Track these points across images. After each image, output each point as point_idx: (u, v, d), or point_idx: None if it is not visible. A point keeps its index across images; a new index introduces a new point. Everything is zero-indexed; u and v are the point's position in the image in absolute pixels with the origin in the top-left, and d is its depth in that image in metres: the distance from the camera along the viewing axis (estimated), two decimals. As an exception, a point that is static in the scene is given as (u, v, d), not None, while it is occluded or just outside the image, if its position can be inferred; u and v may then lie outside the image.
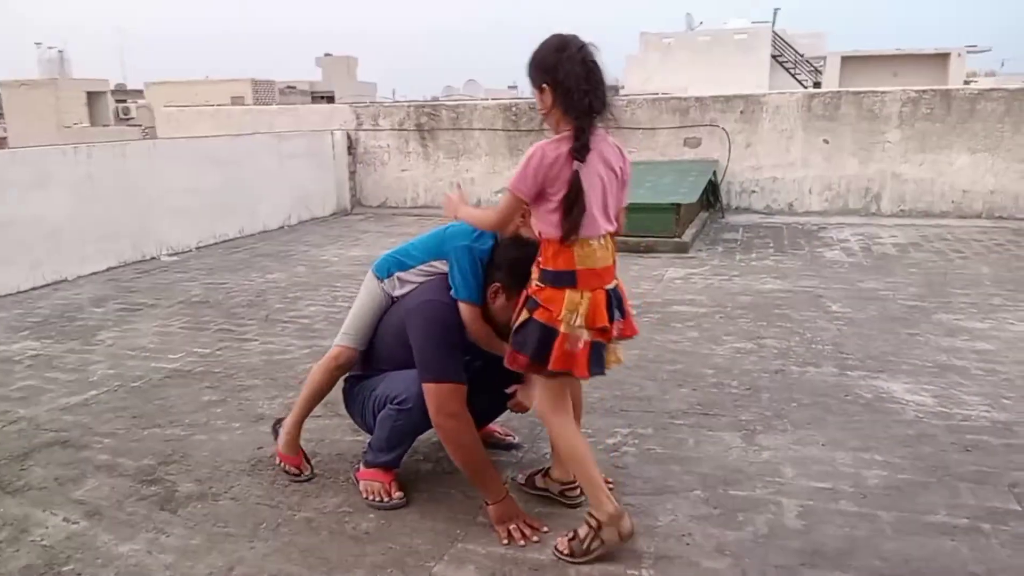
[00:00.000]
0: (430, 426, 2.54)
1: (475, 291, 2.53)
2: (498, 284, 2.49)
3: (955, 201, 8.72)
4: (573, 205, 2.16)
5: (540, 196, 2.19)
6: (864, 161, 8.92)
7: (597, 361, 2.27)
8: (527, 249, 2.39)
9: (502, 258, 2.50)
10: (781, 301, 5.19)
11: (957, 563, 2.23)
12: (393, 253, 2.79)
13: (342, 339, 2.82)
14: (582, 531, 2.30)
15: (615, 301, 2.32)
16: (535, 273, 2.29)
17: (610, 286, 2.31)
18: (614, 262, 2.33)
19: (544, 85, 2.19)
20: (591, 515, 2.29)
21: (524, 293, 2.32)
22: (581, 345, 2.22)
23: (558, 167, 2.16)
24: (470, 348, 2.58)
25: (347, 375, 2.86)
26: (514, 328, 2.30)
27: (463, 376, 2.46)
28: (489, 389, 2.68)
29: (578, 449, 2.34)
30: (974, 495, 2.60)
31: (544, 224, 2.22)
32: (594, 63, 2.20)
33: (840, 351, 4.13)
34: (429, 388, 2.43)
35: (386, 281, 2.75)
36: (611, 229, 2.29)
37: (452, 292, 2.55)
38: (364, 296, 2.81)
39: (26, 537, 2.49)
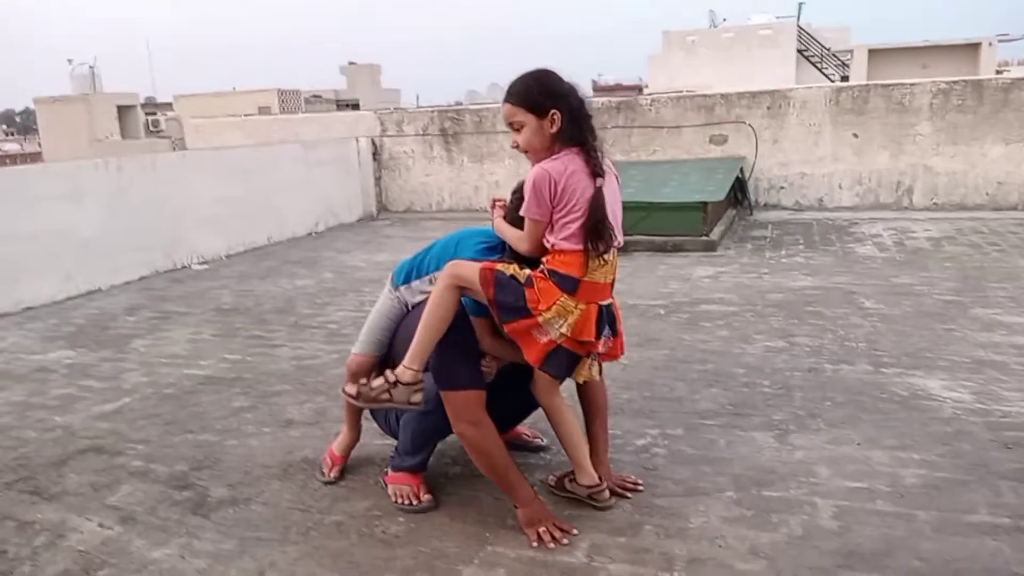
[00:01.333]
0: (448, 430, 2.54)
1: (484, 306, 2.49)
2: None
3: (989, 193, 8.53)
4: (600, 221, 2.28)
5: (553, 214, 2.31)
6: (895, 154, 8.77)
7: (557, 363, 2.37)
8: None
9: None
10: (813, 298, 5.11)
11: (1000, 563, 2.17)
12: (411, 259, 2.80)
13: (356, 347, 2.85)
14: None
15: (606, 317, 2.38)
16: (541, 264, 2.36)
17: (605, 302, 2.38)
18: (614, 279, 2.43)
19: (555, 111, 2.31)
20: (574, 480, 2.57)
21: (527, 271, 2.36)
22: (545, 340, 2.32)
23: (572, 185, 2.28)
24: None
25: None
26: (506, 274, 2.33)
27: (482, 382, 2.44)
28: (513, 391, 2.67)
29: (571, 425, 2.55)
30: (1016, 494, 2.53)
31: (562, 239, 2.30)
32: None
33: (874, 348, 4.05)
34: (448, 396, 2.41)
35: (402, 288, 2.75)
36: (622, 242, 2.41)
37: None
38: (380, 304, 2.82)
39: (63, 542, 2.53)
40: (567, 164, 2.30)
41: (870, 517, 2.44)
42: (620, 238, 2.39)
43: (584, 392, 2.70)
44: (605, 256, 2.33)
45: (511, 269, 2.34)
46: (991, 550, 2.23)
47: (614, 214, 2.35)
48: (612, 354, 2.49)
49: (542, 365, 2.37)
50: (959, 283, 5.33)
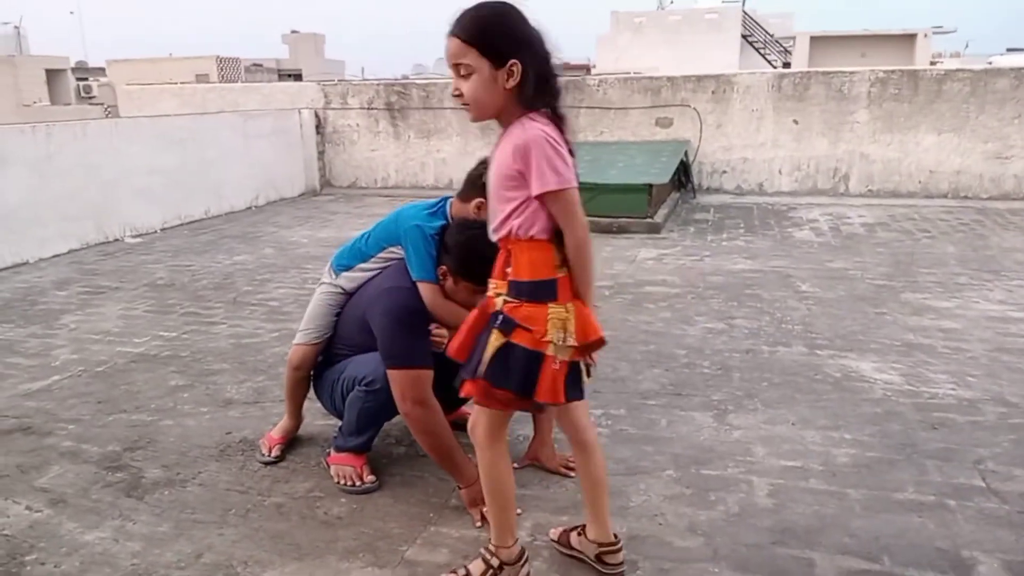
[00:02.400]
0: (393, 411, 2.54)
1: (431, 270, 2.52)
2: (444, 267, 2.48)
3: (922, 181, 8.83)
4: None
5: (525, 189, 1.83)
6: (833, 141, 8.99)
7: (574, 384, 1.93)
8: (472, 232, 2.36)
9: (450, 240, 2.48)
10: (752, 281, 5.22)
11: (924, 539, 2.27)
12: (351, 245, 2.77)
13: (297, 337, 2.83)
14: (476, 569, 2.08)
15: None
16: (499, 286, 1.92)
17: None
18: None
19: (515, 62, 1.78)
20: (492, 553, 2.08)
21: (487, 309, 1.94)
22: (558, 366, 1.87)
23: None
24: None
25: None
26: (488, 360, 1.88)
27: (429, 360, 2.43)
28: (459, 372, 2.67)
29: (506, 486, 2.07)
30: (940, 472, 2.64)
31: (531, 223, 1.84)
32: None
33: (809, 330, 4.17)
34: (394, 375, 2.40)
35: (342, 276, 2.74)
36: None
37: (410, 274, 2.54)
38: (319, 294, 2.80)
39: (-13, 527, 2.43)
40: (553, 132, 1.83)
41: (803, 495, 2.52)
42: None
43: None
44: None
45: (492, 346, 1.88)
46: (916, 526, 2.33)
47: None
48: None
49: (568, 398, 1.90)
50: (891, 268, 5.52)
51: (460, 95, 1.86)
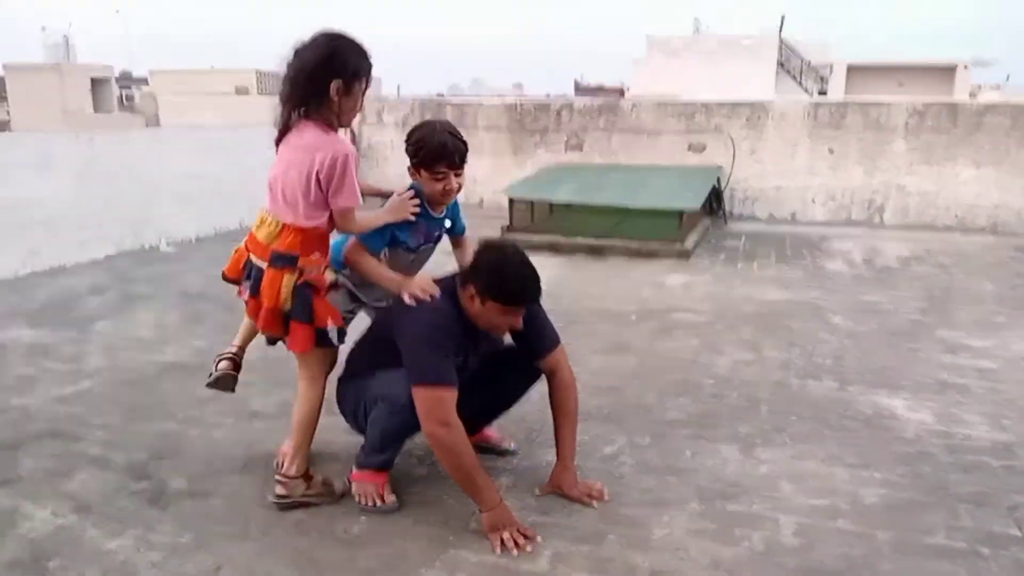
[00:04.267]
0: (416, 428, 2.54)
1: (379, 242, 2.65)
2: (472, 287, 2.47)
3: (959, 215, 8.69)
4: None
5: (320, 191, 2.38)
6: (869, 171, 8.89)
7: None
8: (503, 251, 2.47)
9: (478, 262, 2.49)
10: (782, 311, 5.16)
11: (955, 587, 2.20)
12: (340, 240, 2.80)
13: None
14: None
15: (252, 271, 2.51)
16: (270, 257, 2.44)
17: (254, 259, 2.50)
18: (266, 245, 2.47)
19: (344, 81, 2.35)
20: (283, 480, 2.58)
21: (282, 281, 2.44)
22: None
23: None
24: (463, 350, 2.55)
25: (340, 375, 2.83)
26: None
27: (455, 379, 2.41)
28: (482, 392, 2.66)
29: (313, 418, 2.63)
30: (973, 517, 2.57)
31: (316, 215, 2.41)
32: None
33: (840, 365, 4.10)
34: (419, 393, 2.38)
35: (342, 273, 2.78)
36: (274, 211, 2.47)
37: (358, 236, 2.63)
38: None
39: (13, 530, 2.46)
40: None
41: (831, 535, 2.46)
42: (279, 210, 2.44)
43: (554, 395, 2.70)
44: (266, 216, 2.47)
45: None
46: (947, 573, 2.27)
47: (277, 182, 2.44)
48: (291, 343, 2.58)
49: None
50: (925, 303, 5.42)
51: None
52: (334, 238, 2.64)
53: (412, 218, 2.67)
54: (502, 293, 2.42)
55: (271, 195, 2.46)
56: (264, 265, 2.44)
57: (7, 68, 26.11)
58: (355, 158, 2.40)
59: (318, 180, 2.36)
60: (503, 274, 2.44)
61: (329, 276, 2.61)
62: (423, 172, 2.67)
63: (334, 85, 2.33)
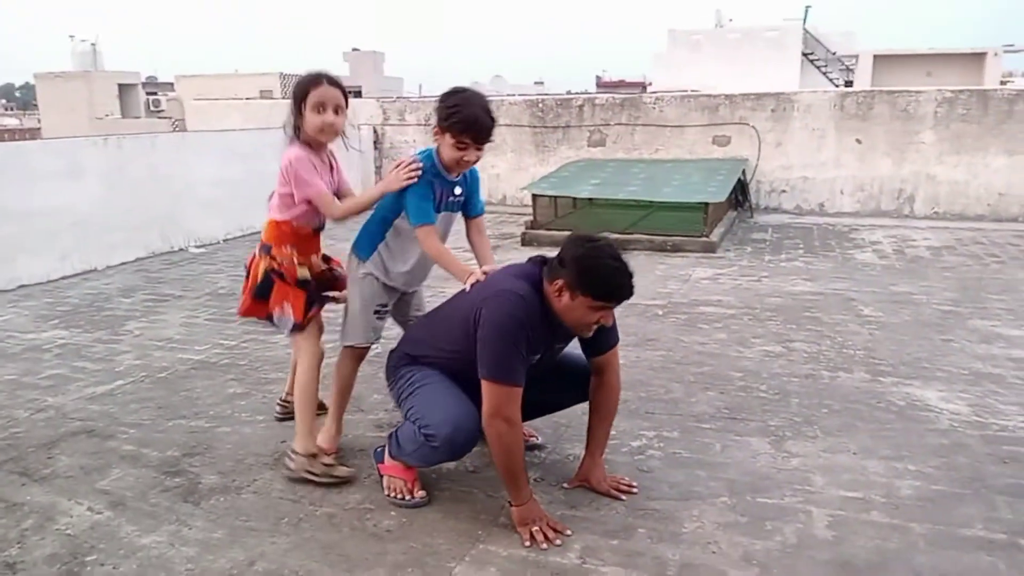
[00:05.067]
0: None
1: (430, 212, 2.66)
2: (561, 281, 2.36)
3: (991, 204, 8.53)
4: None
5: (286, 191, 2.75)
6: (898, 162, 8.76)
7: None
8: (593, 244, 2.37)
9: (567, 254, 2.37)
10: (811, 304, 5.10)
11: (994, 579, 2.16)
12: (366, 228, 2.86)
13: (348, 337, 2.89)
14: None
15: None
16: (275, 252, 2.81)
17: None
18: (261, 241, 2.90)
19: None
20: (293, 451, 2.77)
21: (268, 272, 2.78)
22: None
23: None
24: (542, 345, 2.47)
25: (393, 349, 2.77)
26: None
27: (523, 379, 2.37)
28: (532, 392, 2.61)
29: (306, 399, 2.80)
30: (1011, 509, 2.52)
31: (281, 211, 2.80)
32: None
33: (872, 356, 4.04)
34: (490, 387, 2.34)
35: (369, 261, 2.81)
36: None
37: (409, 220, 2.66)
38: (355, 291, 2.84)
39: (51, 526, 2.51)
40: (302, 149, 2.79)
41: (865, 528, 2.43)
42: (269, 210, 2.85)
43: (599, 393, 2.67)
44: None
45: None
46: (986, 566, 2.22)
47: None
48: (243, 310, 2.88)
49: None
50: (958, 293, 5.32)
51: (334, 127, 2.73)
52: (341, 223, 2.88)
53: (410, 182, 2.64)
54: (597, 288, 2.32)
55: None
56: (255, 254, 2.85)
57: (37, 77, 26.61)
58: (301, 159, 2.71)
59: (283, 181, 2.77)
60: (598, 268, 2.32)
61: (302, 273, 2.80)
62: (447, 136, 2.64)
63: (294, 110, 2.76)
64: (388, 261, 2.81)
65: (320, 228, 2.91)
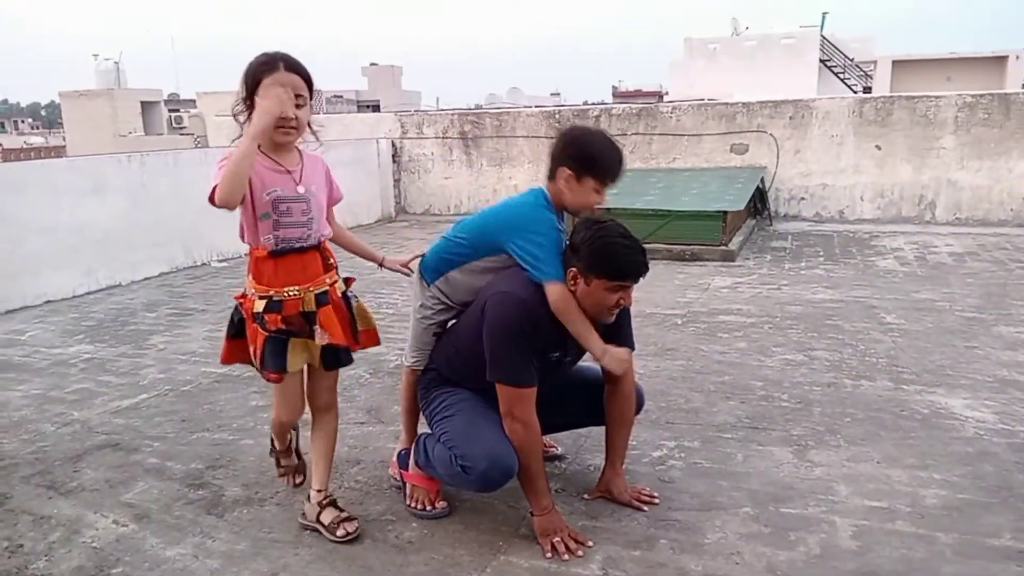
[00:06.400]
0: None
1: (562, 267, 2.37)
2: (575, 268, 2.34)
3: (1014, 209, 8.43)
4: None
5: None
6: (918, 168, 8.68)
7: (273, 355, 2.32)
8: (602, 224, 2.35)
9: (576, 240, 2.35)
10: (832, 311, 5.06)
11: (1023, 590, 2.13)
12: (440, 247, 2.63)
13: (408, 359, 2.71)
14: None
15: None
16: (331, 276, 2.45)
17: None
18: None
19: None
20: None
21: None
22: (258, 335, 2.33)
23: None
24: (559, 345, 2.45)
25: (425, 367, 2.70)
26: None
27: (534, 380, 2.36)
28: (555, 404, 2.60)
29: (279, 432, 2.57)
30: (1040, 518, 2.49)
31: (244, 233, 2.38)
32: None
33: (895, 364, 4.00)
34: (505, 389, 2.35)
35: (435, 285, 2.60)
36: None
37: (536, 275, 2.35)
38: (418, 309, 2.66)
39: (78, 538, 2.54)
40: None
41: (890, 538, 2.40)
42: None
43: (613, 402, 2.65)
44: None
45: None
46: (1014, 576, 2.19)
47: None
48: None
49: (263, 366, 2.35)
50: (981, 300, 5.26)
51: (295, 121, 2.24)
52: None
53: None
54: (610, 268, 2.29)
55: None
56: None
57: (62, 95, 27.07)
58: (223, 159, 2.17)
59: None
60: (608, 248, 2.30)
61: (257, 306, 2.31)
62: (593, 281, 2.33)
63: (245, 104, 2.25)
64: (451, 293, 2.61)
65: (290, 248, 2.30)
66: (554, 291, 2.35)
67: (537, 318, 2.36)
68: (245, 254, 2.40)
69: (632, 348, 2.63)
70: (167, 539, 2.52)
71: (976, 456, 2.94)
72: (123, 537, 2.54)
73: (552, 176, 2.46)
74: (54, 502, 2.79)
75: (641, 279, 2.36)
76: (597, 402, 2.67)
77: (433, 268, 2.62)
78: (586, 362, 2.66)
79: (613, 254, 2.30)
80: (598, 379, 2.65)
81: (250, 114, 2.21)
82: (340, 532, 2.45)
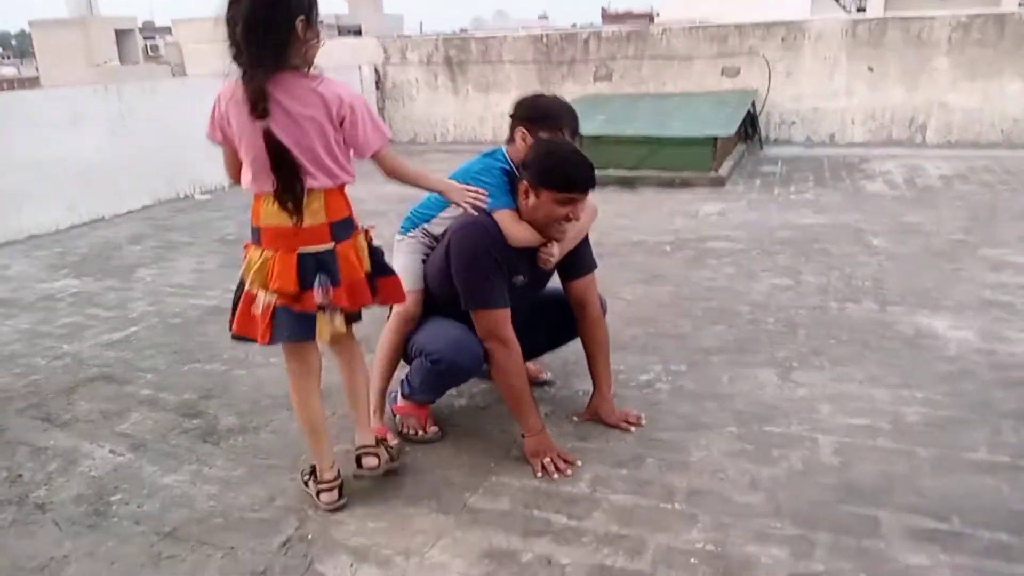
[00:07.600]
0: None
1: (508, 195, 2.50)
2: (525, 183, 2.43)
3: (1004, 130, 8.39)
4: (268, 167, 2.06)
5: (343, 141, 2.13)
6: (910, 90, 8.59)
7: (281, 328, 2.11)
8: (552, 145, 2.44)
9: (529, 157, 2.45)
10: (821, 236, 5.07)
11: (997, 501, 2.20)
12: (413, 211, 2.75)
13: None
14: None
15: (317, 265, 2.09)
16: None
17: (311, 249, 2.09)
18: (321, 223, 2.10)
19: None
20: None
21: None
22: (261, 309, 2.10)
23: (232, 115, 2.10)
24: (520, 267, 2.52)
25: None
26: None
27: (506, 301, 2.44)
28: (538, 326, 2.68)
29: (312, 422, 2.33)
30: (1016, 433, 2.55)
31: (347, 168, 2.22)
32: None
33: (881, 287, 4.04)
34: (479, 314, 2.43)
35: (412, 232, 2.71)
36: (315, 184, 2.09)
37: (488, 205, 2.45)
38: (400, 254, 2.70)
39: (75, 468, 2.58)
40: (231, 90, 2.05)
41: (871, 453, 2.47)
42: (317, 179, 2.08)
43: (584, 328, 2.71)
44: (266, 199, 2.07)
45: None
46: (990, 488, 2.26)
47: (300, 150, 2.05)
48: (344, 303, 2.15)
49: (273, 339, 2.13)
50: (968, 222, 5.28)
51: None
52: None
53: (466, 207, 2.41)
54: (556, 179, 2.36)
55: (304, 170, 2.07)
56: (331, 245, 2.12)
57: (32, 24, 26.14)
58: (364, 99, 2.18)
59: (340, 130, 2.12)
60: (556, 159, 2.39)
61: (243, 268, 2.22)
62: (542, 193, 2.40)
63: (300, 24, 1.99)
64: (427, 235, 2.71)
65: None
66: (502, 216, 2.47)
67: (499, 241, 2.44)
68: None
69: (593, 266, 2.70)
70: (164, 467, 2.56)
71: (957, 375, 3.00)
72: (120, 466, 2.58)
73: (511, 139, 2.59)
74: (50, 433, 2.82)
75: (589, 192, 2.43)
76: (568, 316, 2.74)
77: (410, 224, 2.74)
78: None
79: (562, 166, 2.39)
80: (563, 298, 2.73)
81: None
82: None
